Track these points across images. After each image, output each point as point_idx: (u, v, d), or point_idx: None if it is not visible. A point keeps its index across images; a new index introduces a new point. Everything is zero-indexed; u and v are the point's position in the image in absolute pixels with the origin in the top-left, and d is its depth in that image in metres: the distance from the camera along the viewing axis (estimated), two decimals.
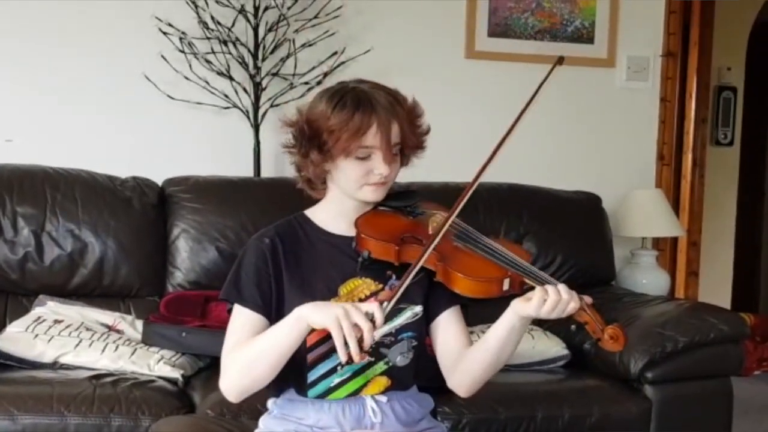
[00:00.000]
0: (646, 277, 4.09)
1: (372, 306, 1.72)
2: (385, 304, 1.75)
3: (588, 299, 1.83)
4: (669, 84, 4.43)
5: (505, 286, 1.84)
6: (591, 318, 1.81)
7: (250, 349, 1.83)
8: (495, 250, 1.90)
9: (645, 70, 4.33)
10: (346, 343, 1.68)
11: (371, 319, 1.70)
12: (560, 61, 2.01)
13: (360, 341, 1.68)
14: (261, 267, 1.93)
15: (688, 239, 5.24)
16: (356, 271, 1.95)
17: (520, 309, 1.83)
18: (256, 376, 1.84)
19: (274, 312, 1.92)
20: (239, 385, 1.86)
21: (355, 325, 1.68)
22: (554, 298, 1.78)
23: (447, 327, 2.00)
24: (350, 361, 1.71)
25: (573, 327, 1.87)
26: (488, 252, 1.90)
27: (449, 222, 1.89)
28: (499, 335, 1.88)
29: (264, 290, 1.92)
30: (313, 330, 1.77)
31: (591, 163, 4.26)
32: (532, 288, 1.82)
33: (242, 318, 1.92)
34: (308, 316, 1.74)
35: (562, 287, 1.81)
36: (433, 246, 1.85)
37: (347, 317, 1.68)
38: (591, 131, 4.28)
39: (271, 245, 1.95)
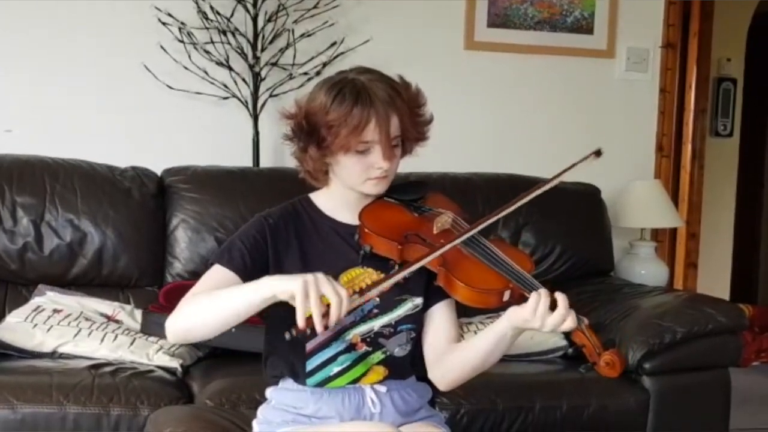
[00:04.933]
0: (645, 268, 4.10)
1: (343, 290, 1.66)
2: (356, 297, 1.71)
3: (586, 321, 1.81)
4: (668, 75, 4.43)
5: (506, 297, 1.82)
6: (588, 341, 1.78)
7: (210, 299, 1.78)
8: (499, 259, 1.87)
9: (644, 61, 4.32)
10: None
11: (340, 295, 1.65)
12: (598, 153, 1.98)
13: (325, 315, 1.64)
14: (259, 240, 1.92)
15: (687, 230, 5.25)
16: (358, 261, 1.94)
17: (513, 317, 1.80)
18: (200, 323, 1.79)
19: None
20: (183, 327, 1.81)
21: (323, 297, 1.64)
22: (546, 302, 1.75)
23: (439, 319, 1.99)
24: (308, 333, 1.64)
25: (570, 350, 1.86)
26: (492, 260, 1.86)
27: (459, 240, 1.87)
28: (489, 341, 1.87)
29: (255, 260, 1.89)
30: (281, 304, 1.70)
31: None
32: None
33: (219, 275, 1.88)
34: (273, 284, 1.69)
35: (559, 300, 1.76)
36: (438, 253, 1.83)
37: (316, 286, 1.64)
38: (590, 122, 4.27)
39: (274, 225, 1.94)
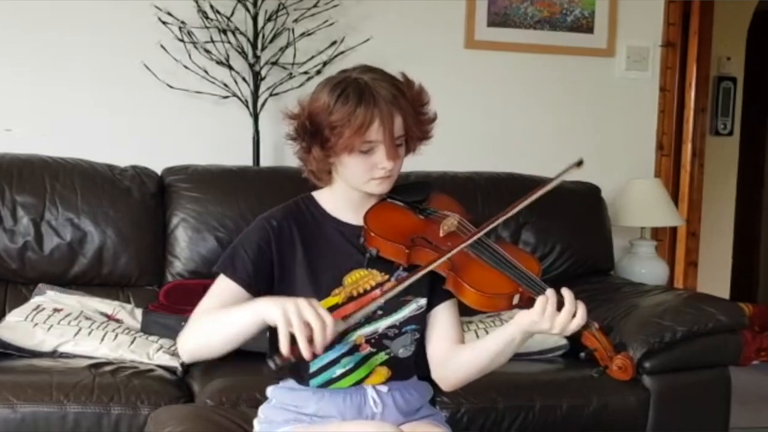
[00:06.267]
0: (645, 267, 4.10)
1: (327, 315, 1.66)
2: (340, 322, 1.69)
3: (596, 324, 1.80)
4: (668, 74, 4.43)
5: (515, 300, 1.81)
6: (600, 344, 1.78)
7: (212, 320, 1.80)
8: (507, 262, 1.86)
9: (644, 59, 4.32)
10: (294, 342, 1.63)
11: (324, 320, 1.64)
12: (580, 163, 1.98)
13: (310, 340, 1.63)
14: (263, 247, 1.90)
15: (687, 229, 5.24)
16: (363, 263, 1.93)
17: (522, 321, 1.80)
18: (208, 346, 1.82)
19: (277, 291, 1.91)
20: (192, 349, 1.84)
21: (306, 324, 1.63)
22: (554, 301, 1.75)
23: (443, 320, 1.99)
24: (293, 360, 1.64)
25: (582, 354, 1.84)
26: (501, 264, 1.85)
27: (467, 243, 1.86)
28: (496, 345, 1.87)
29: (260, 269, 1.89)
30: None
31: (590, 153, 4.21)
32: None
33: (225, 286, 1.89)
34: (262, 309, 1.69)
35: (565, 295, 1.77)
36: (446, 257, 1.82)
37: (298, 313, 1.64)
38: (590, 121, 4.28)
39: (278, 228, 1.92)
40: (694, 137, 5.38)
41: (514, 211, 1.94)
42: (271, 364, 1.66)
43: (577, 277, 3.60)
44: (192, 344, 1.83)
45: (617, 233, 4.01)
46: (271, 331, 1.97)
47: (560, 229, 3.68)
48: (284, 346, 1.63)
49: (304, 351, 1.63)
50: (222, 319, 1.78)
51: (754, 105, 6.53)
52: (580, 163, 1.96)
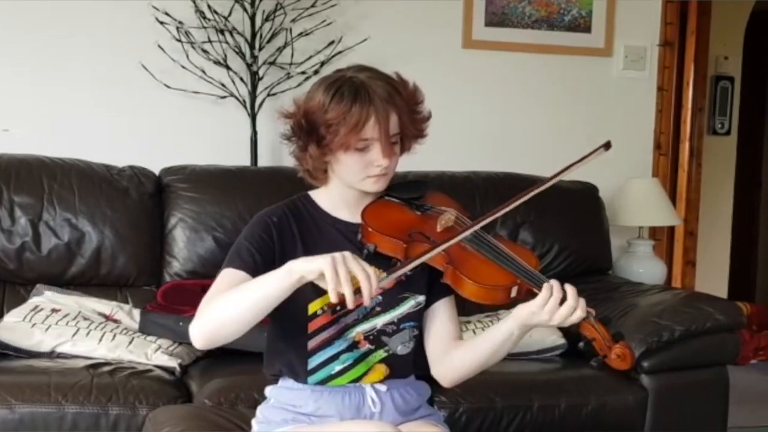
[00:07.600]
0: (643, 267, 4.10)
1: (370, 268, 1.67)
2: (384, 275, 1.72)
3: (593, 312, 1.81)
4: (666, 73, 4.43)
5: (513, 293, 1.82)
6: (598, 334, 1.79)
7: (233, 295, 1.75)
8: (505, 255, 1.87)
9: (642, 59, 4.32)
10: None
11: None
12: (607, 146, 1.98)
13: (357, 291, 1.64)
14: (265, 239, 1.90)
15: (685, 228, 5.25)
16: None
17: (520, 313, 1.81)
18: (231, 319, 1.74)
19: None
20: (210, 327, 1.76)
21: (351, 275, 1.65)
22: (557, 296, 1.76)
23: (442, 316, 2.00)
24: (338, 309, 1.65)
25: (581, 345, 1.84)
26: (498, 257, 1.87)
27: (469, 232, 1.87)
28: (495, 340, 1.88)
29: (265, 257, 1.88)
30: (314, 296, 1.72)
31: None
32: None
33: (231, 277, 1.86)
34: (301, 267, 1.68)
35: (568, 290, 1.78)
36: (443, 248, 1.83)
37: (344, 263, 1.65)
38: (588, 120, 4.28)
39: (278, 223, 1.93)
40: (691, 137, 5.39)
41: (514, 205, 1.94)
42: (319, 311, 1.73)
43: (575, 277, 3.58)
44: (212, 323, 1.76)
45: (615, 233, 4.01)
46: (270, 329, 1.98)
47: (558, 229, 3.68)
48: (333, 293, 1.64)
49: (350, 300, 1.64)
50: (252, 288, 1.74)
51: (751, 104, 6.54)
52: (608, 146, 1.98)
